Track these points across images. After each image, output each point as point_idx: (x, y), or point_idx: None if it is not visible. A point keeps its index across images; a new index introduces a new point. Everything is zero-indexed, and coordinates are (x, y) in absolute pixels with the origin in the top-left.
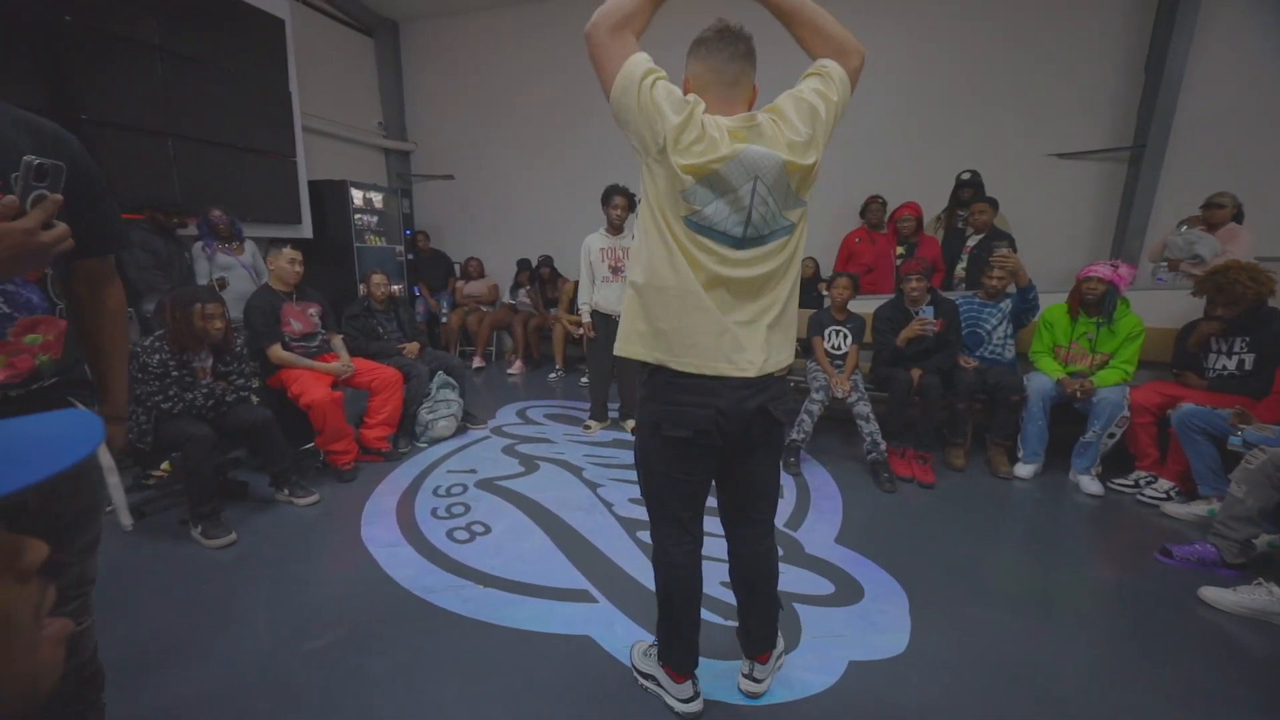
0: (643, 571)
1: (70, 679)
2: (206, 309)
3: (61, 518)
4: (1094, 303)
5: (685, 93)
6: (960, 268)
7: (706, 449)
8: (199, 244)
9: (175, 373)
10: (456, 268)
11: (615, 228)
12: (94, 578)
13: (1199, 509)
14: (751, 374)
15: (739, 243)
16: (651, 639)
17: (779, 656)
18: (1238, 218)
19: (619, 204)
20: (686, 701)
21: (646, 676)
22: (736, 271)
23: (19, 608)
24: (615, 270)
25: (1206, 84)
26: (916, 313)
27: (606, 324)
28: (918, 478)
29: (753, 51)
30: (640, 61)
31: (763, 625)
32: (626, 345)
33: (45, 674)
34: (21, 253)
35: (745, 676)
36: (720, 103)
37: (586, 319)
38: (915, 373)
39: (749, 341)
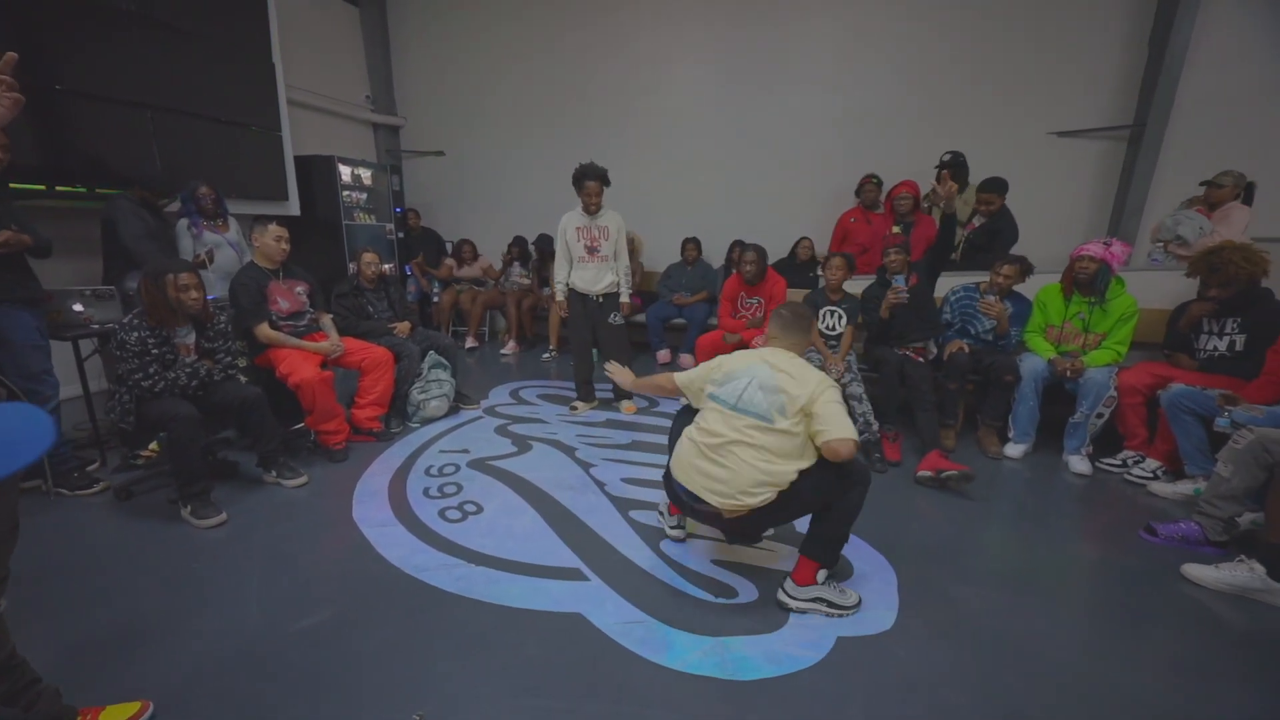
0: (635, 550)
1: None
2: (180, 279)
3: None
4: (1086, 282)
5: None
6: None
7: None
8: (183, 220)
9: (155, 350)
10: (449, 246)
11: (589, 210)
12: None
13: (1185, 488)
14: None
15: (732, 407)
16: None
17: (821, 584)
18: (1247, 198)
19: (591, 189)
20: (675, 528)
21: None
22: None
23: None
24: (591, 250)
25: (1211, 60)
26: (891, 282)
27: (584, 303)
28: (942, 468)
29: (809, 327)
30: (688, 385)
31: (817, 533)
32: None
33: None
34: None
35: (781, 588)
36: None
37: (560, 298)
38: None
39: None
